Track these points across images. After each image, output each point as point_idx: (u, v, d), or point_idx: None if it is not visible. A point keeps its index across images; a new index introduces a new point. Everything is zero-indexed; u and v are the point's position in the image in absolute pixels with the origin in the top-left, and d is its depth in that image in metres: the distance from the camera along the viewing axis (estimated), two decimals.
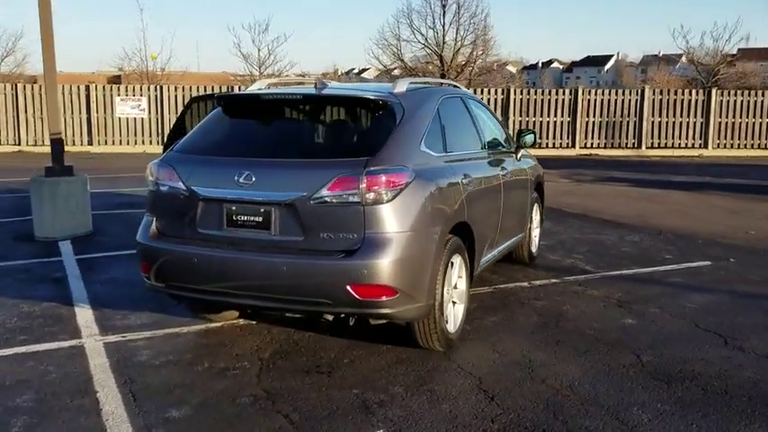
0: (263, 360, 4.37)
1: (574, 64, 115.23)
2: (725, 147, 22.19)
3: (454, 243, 4.44)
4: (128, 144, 21.29)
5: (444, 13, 25.66)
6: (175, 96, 21.28)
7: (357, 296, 3.87)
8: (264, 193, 4.04)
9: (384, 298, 3.89)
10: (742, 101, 22.24)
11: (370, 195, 3.88)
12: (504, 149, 6.05)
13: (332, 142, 4.49)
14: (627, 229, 8.98)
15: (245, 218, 4.10)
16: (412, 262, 4.00)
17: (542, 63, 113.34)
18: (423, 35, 26.39)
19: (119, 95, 21.23)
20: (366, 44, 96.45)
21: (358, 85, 5.51)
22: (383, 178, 3.91)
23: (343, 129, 4.43)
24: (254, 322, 5.06)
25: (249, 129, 4.60)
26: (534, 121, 21.68)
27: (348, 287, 3.86)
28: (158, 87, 21.78)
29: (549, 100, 21.95)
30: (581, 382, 4.04)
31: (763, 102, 22.26)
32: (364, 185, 3.88)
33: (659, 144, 22.12)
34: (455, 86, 5.90)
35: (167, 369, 4.24)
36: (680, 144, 22.11)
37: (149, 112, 21.37)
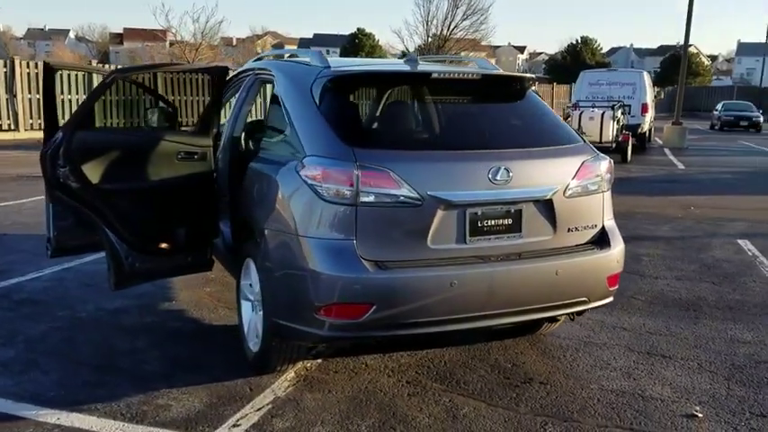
0: (446, 389, 3.57)
1: None
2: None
3: None
4: None
5: None
6: None
7: (609, 287, 3.61)
8: (522, 190, 3.34)
9: (611, 288, 3.68)
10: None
11: (605, 181, 3.65)
12: None
13: (541, 126, 3.78)
14: None
15: (492, 222, 3.31)
16: None
17: None
18: None
19: None
20: None
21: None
22: (608, 163, 3.70)
23: (535, 111, 3.78)
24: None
25: (451, 114, 3.95)
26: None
27: (605, 279, 3.57)
28: None
29: None
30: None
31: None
32: (604, 170, 3.62)
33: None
34: None
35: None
36: None
37: None
